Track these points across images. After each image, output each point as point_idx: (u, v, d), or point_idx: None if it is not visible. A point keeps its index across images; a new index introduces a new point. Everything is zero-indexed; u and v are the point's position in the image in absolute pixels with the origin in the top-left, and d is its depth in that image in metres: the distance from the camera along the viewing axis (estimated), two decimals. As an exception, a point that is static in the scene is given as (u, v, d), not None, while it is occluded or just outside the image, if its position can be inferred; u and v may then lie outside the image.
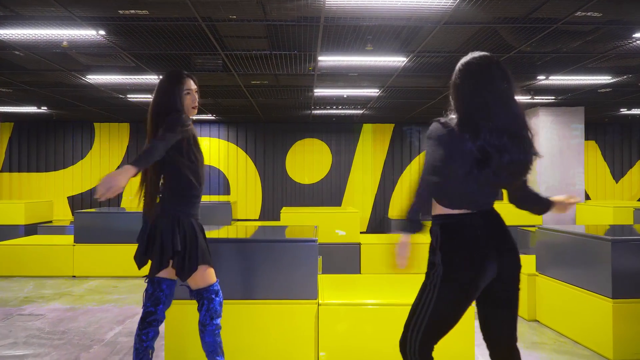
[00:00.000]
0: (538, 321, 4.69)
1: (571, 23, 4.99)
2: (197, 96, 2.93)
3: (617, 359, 3.66)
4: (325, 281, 4.28)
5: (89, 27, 5.00)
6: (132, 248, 6.74)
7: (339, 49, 5.86)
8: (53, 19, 4.81)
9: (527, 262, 5.14)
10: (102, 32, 5.14)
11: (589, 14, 4.77)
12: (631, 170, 13.00)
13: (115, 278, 6.70)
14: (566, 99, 9.17)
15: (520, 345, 4.00)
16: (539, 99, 9.23)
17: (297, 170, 12.56)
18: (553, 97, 9.11)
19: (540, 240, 4.67)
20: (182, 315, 3.59)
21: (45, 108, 10.31)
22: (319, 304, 3.62)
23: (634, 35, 5.36)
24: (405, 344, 2.15)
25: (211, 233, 3.83)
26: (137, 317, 4.87)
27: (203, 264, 2.82)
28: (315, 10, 4.54)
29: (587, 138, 12.83)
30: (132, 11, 4.62)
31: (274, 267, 3.57)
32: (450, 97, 2.17)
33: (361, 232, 10.30)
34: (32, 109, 10.42)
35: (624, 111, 10.88)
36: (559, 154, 9.87)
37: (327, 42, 5.58)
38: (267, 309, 3.56)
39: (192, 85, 2.90)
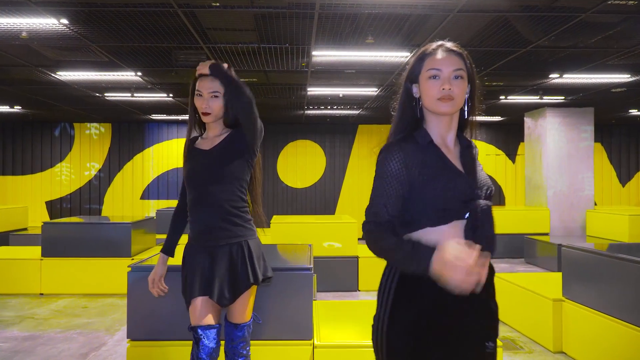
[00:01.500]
0: (565, 353, 4.09)
1: (601, 12, 4.39)
2: (208, 99, 2.34)
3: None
4: (320, 310, 3.66)
5: (48, 15, 4.35)
6: (105, 262, 6.09)
7: (335, 42, 5.23)
8: (6, 4, 4.15)
9: (553, 282, 4.54)
10: (64, 21, 4.48)
11: (622, 2, 4.19)
12: (638, 173, 12.49)
13: (86, 296, 6.04)
14: (576, 99, 8.60)
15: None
16: (547, 99, 8.66)
17: (289, 174, 11.92)
18: (562, 97, 8.55)
19: (567, 259, 4.07)
20: (147, 358, 2.96)
21: (19, 107, 9.61)
22: (314, 346, 2.99)
23: (667, 27, 4.78)
24: None
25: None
26: (104, 349, 4.23)
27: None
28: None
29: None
30: (96, -5, 3.97)
31: (260, 300, 2.94)
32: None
33: (358, 239, 9.72)
34: (4, 109, 9.71)
35: (633, 112, 10.34)
36: (567, 158, 9.31)
37: (322, 34, 4.96)
38: (253, 352, 2.93)
39: (202, 84, 2.35)
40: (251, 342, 2.86)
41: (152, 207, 11.60)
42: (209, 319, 2.28)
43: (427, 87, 1.60)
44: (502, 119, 11.26)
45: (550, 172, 9.29)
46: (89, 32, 4.87)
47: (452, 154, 1.64)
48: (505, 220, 8.89)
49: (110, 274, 6.10)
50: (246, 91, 2.25)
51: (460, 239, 1.48)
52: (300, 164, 11.91)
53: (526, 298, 4.54)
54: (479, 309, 1.54)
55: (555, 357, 4.04)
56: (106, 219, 6.71)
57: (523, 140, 11.46)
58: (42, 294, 6.14)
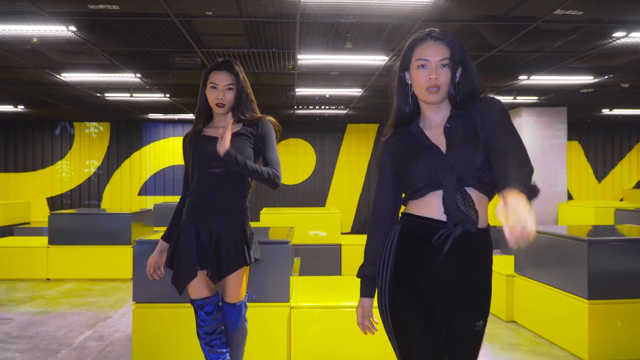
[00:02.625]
0: (515, 322, 4.63)
1: (551, 21, 4.93)
2: (223, 91, 2.54)
3: (594, 361, 3.62)
4: (300, 283, 4.18)
5: (58, 23, 4.86)
6: (108, 250, 6.59)
7: (317, 47, 5.77)
8: (20, 14, 4.66)
9: (506, 263, 5.09)
10: (72, 28, 5.00)
11: (569, 12, 4.72)
12: (613, 170, 13.07)
13: (90, 280, 6.55)
14: (549, 99, 9.16)
15: (496, 346, 3.95)
16: (521, 99, 9.22)
17: (281, 171, 12.43)
18: (536, 98, 9.10)
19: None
20: (150, 319, 3.48)
21: (22, 107, 10.10)
22: (291, 307, 3.52)
23: (613, 35, 5.32)
24: None
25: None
26: (113, 319, 4.75)
27: None
28: (291, 6, 4.45)
29: (570, 138, 12.85)
30: (102, 6, 4.48)
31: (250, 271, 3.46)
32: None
33: (345, 233, 10.25)
34: (8, 108, 10.20)
35: (606, 112, 10.92)
36: (541, 155, 9.86)
37: (305, 40, 5.49)
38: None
39: (217, 79, 2.55)
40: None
41: (149, 203, 12.08)
42: (205, 292, 2.56)
43: (416, 76, 1.75)
44: (483, 118, 11.81)
45: (526, 168, 9.84)
46: (94, 38, 5.38)
47: (438, 130, 1.77)
48: (484, 214, 9.46)
49: (112, 260, 6.61)
50: (264, 176, 2.55)
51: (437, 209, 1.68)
52: (291, 161, 12.44)
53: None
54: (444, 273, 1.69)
55: (507, 326, 4.58)
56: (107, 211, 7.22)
57: (503, 139, 12.00)
58: (49, 279, 6.64)
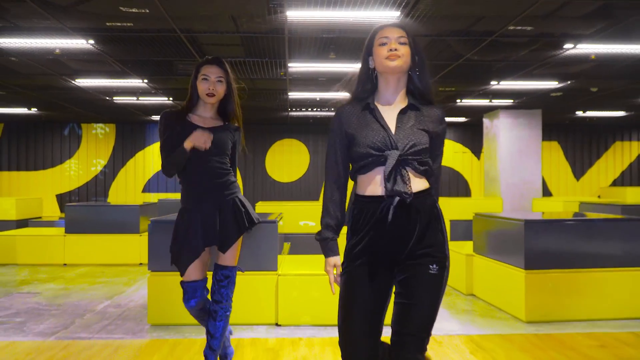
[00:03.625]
0: (474, 295, 5.38)
1: (507, 35, 5.69)
2: (214, 83, 2.78)
3: (529, 320, 4.36)
4: (287, 259, 4.93)
5: (79, 37, 5.62)
6: (119, 238, 7.29)
7: (305, 57, 6.52)
8: (47, 29, 5.41)
9: (466, 246, 5.85)
10: (91, 41, 5.76)
11: (520, 27, 5.47)
12: (591, 169, 13.83)
13: (102, 265, 7.29)
14: (523, 102, 9.92)
15: (453, 312, 4.69)
16: (498, 102, 9.98)
17: (276, 169, 13.21)
18: (511, 100, 9.86)
19: (476, 225, 5.38)
20: (163, 285, 4.23)
21: (35, 109, 10.85)
22: (278, 275, 4.27)
23: (564, 46, 6.08)
24: (427, 341, 1.88)
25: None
26: (127, 293, 5.50)
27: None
28: (280, 23, 5.20)
29: (549, 139, 13.64)
30: (118, 23, 5.24)
31: (242, 244, 4.22)
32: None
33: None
34: (22, 110, 10.95)
35: (580, 114, 11.68)
36: (518, 154, 10.62)
37: (293, 51, 6.25)
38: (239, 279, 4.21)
39: (209, 72, 2.78)
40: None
41: (152, 200, 12.83)
42: (200, 275, 2.84)
43: (378, 51, 1.92)
44: (466, 119, 12.59)
45: (503, 166, 10.61)
46: (109, 49, 6.13)
47: (391, 113, 1.92)
48: (466, 208, 10.15)
49: (122, 247, 7.36)
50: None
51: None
52: (286, 160, 13.20)
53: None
54: (390, 237, 1.86)
55: (466, 298, 5.33)
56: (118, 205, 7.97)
57: (486, 139, 12.78)
58: (65, 264, 7.38)
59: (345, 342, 1.85)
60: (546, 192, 13.52)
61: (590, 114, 11.72)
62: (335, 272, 1.97)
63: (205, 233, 2.78)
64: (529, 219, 4.43)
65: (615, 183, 13.90)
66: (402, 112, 1.91)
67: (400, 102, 1.95)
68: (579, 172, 13.82)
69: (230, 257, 2.87)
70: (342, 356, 1.86)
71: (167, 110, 2.88)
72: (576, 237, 4.44)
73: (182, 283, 2.83)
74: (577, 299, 4.41)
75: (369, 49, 1.98)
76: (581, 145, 13.84)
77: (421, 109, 1.94)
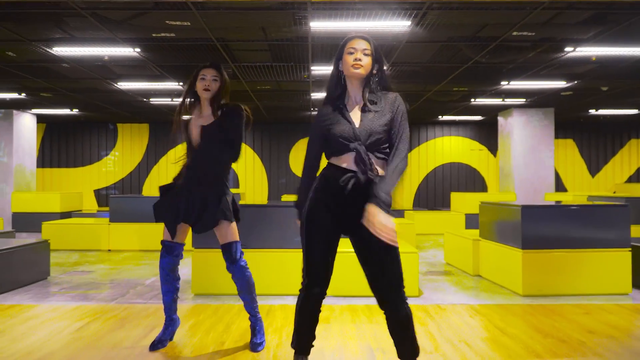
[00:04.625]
0: (480, 275, 5.95)
1: (510, 40, 6.25)
2: (210, 81, 3.17)
3: (525, 294, 4.93)
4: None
5: (127, 46, 6.35)
6: (158, 226, 8.01)
7: (326, 61, 7.17)
8: (100, 39, 6.15)
9: (473, 232, 6.42)
10: (137, 49, 6.49)
11: (523, 33, 6.03)
12: (606, 166, 14.19)
13: (143, 251, 8.03)
14: (535, 100, 10.41)
15: (458, 288, 5.26)
16: (511, 101, 10.48)
17: (299, 166, 13.89)
18: (524, 99, 10.35)
19: (482, 212, 5.95)
20: (204, 261, 4.92)
21: (77, 110, 11.70)
22: (304, 252, 4.92)
23: (565, 49, 6.61)
24: (404, 296, 2.36)
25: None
26: (166, 273, 6.19)
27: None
28: (304, 33, 5.85)
29: (565, 137, 14.06)
30: (162, 34, 5.95)
31: (273, 225, 4.88)
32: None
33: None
34: (65, 111, 11.82)
35: (592, 112, 12.09)
36: (531, 150, 11.11)
37: (316, 56, 6.89)
38: (270, 255, 4.88)
39: (206, 73, 3.19)
40: (263, 249, 4.80)
41: (183, 195, 13.63)
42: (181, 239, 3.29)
43: (346, 59, 2.35)
44: (482, 118, 13.09)
45: (517, 163, 11.11)
46: (152, 56, 6.86)
47: (356, 109, 2.37)
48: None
49: (160, 234, 8.08)
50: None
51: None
52: (309, 157, 13.85)
53: (457, 242, 6.41)
54: (348, 203, 2.33)
55: (474, 279, 5.90)
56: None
57: (501, 137, 13.26)
58: (110, 250, 8.15)
59: (307, 265, 2.42)
60: (562, 188, 13.93)
61: (603, 112, 12.11)
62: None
63: (185, 213, 3.23)
64: (526, 205, 5.00)
65: (630, 180, 14.22)
66: (366, 108, 2.35)
67: (361, 99, 2.38)
68: (594, 169, 14.18)
69: (227, 236, 3.27)
70: (304, 274, 2.43)
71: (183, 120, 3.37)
72: (567, 221, 4.99)
73: (161, 242, 3.32)
74: (569, 276, 4.96)
75: (340, 55, 2.42)
76: (596, 142, 14.21)
77: (379, 100, 2.35)
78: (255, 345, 3.31)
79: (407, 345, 2.38)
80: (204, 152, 3.23)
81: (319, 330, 3.71)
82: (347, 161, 2.32)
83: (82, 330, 3.71)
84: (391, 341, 3.40)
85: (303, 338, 2.51)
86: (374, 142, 2.30)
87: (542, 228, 4.96)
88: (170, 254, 3.28)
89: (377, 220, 2.16)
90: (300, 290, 2.50)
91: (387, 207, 2.21)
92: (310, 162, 2.54)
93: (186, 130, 3.32)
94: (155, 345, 3.30)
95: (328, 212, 2.37)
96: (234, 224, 3.30)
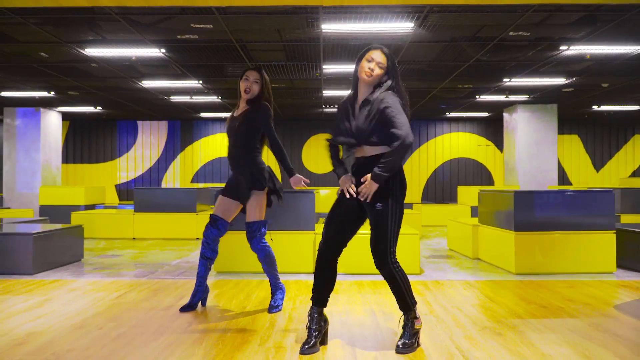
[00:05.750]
0: (479, 258, 6.41)
1: (508, 40, 6.69)
2: (252, 83, 3.67)
3: (517, 272, 5.39)
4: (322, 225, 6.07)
5: (154, 47, 6.89)
6: (179, 216, 8.55)
7: (337, 60, 7.66)
8: (129, 41, 6.70)
9: (473, 218, 6.87)
10: (163, 50, 7.03)
11: (519, 33, 6.47)
12: (610, 161, 14.52)
13: (166, 239, 8.59)
14: (538, 97, 10.81)
15: (457, 269, 5.73)
16: (515, 98, 10.90)
17: (312, 161, 14.40)
18: (527, 96, 10.76)
19: (480, 199, 6.41)
20: (226, 241, 5.45)
21: (100, 108, 12.31)
22: (315, 234, 5.42)
23: (560, 47, 7.03)
24: (388, 255, 2.81)
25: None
26: (192, 256, 6.74)
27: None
28: (316, 34, 6.35)
29: (569, 132, 14.42)
30: (187, 36, 6.48)
31: (287, 209, 5.39)
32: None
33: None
34: (89, 109, 12.44)
35: (595, 108, 12.45)
36: (535, 145, 11.51)
37: (328, 56, 7.39)
38: (281, 237, 5.40)
39: (249, 75, 3.69)
40: (280, 231, 5.30)
41: (200, 189, 14.23)
42: (220, 213, 3.77)
43: (362, 64, 2.82)
44: (488, 114, 13.50)
45: (521, 157, 11.52)
46: (175, 56, 7.40)
47: (359, 104, 2.86)
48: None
49: (181, 224, 8.65)
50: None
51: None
52: (320, 153, 14.36)
53: (458, 228, 6.88)
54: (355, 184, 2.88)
55: (473, 261, 6.36)
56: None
57: (507, 132, 13.65)
58: (134, 238, 8.72)
59: (326, 232, 2.93)
60: (567, 183, 14.29)
61: (606, 108, 12.47)
62: (346, 182, 2.93)
63: (231, 192, 3.80)
64: (518, 191, 5.46)
65: (635, 174, 14.54)
66: (365, 107, 2.82)
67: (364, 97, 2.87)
68: (598, 164, 14.52)
69: (250, 214, 3.76)
70: (321, 240, 2.94)
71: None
72: (557, 206, 5.45)
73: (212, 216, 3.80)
74: (558, 256, 5.41)
75: (360, 58, 2.87)
76: (601, 138, 14.55)
77: (371, 100, 2.79)
78: (271, 307, 3.81)
79: (397, 299, 2.90)
80: (234, 139, 3.74)
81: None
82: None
83: (121, 298, 4.25)
84: (392, 305, 3.91)
85: (317, 290, 2.98)
86: (361, 135, 2.82)
87: (533, 212, 5.42)
88: (214, 226, 3.75)
89: (363, 187, 2.79)
90: (318, 249, 2.97)
91: (381, 177, 2.75)
92: (333, 143, 3.06)
93: (228, 121, 3.86)
94: (186, 308, 3.82)
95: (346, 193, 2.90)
96: (262, 203, 3.78)
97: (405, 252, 5.32)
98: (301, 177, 3.77)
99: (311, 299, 2.98)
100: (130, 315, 3.67)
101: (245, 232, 4.07)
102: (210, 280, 5.02)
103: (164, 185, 14.32)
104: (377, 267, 2.87)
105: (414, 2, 5.13)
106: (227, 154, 3.87)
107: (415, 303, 2.91)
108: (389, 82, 2.83)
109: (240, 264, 5.40)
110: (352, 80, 2.97)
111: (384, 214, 2.80)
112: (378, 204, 2.80)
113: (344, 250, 2.99)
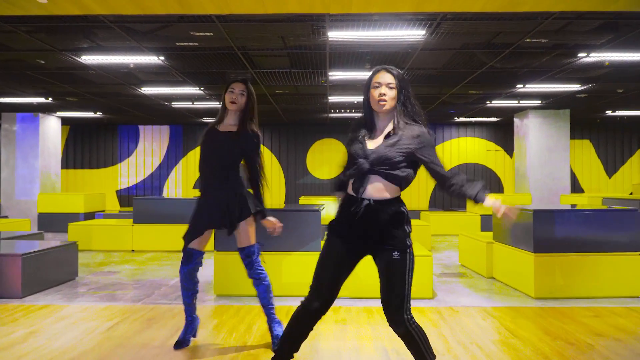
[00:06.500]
0: (494, 278, 6.08)
1: (524, 47, 6.35)
2: (237, 95, 3.42)
3: (537, 297, 5.06)
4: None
5: (152, 54, 6.59)
6: (179, 227, 8.23)
7: (344, 68, 7.34)
8: (126, 48, 6.40)
9: (486, 235, 6.56)
10: (162, 58, 6.73)
11: (536, 40, 6.13)
12: (623, 167, 14.15)
13: (166, 251, 8.29)
14: (550, 102, 10.46)
15: (472, 290, 5.41)
16: (526, 103, 10.55)
17: (316, 167, 14.08)
18: (539, 101, 10.41)
19: (495, 215, 6.07)
20: (226, 263, 5.13)
21: (100, 113, 12.04)
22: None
23: (578, 55, 6.69)
24: (404, 311, 2.44)
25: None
26: (189, 274, 6.42)
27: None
28: (322, 41, 6.03)
29: (581, 137, 14.05)
30: (186, 43, 6.17)
31: (291, 228, 5.08)
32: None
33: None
34: (89, 114, 12.16)
35: (609, 113, 12.09)
36: (546, 152, 11.16)
37: (334, 63, 7.07)
38: (288, 258, 5.08)
39: (235, 87, 3.47)
40: (286, 252, 4.99)
41: (202, 195, 13.94)
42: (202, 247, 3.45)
43: (372, 93, 2.48)
44: (498, 119, 13.15)
45: (532, 164, 11.17)
46: (175, 64, 7.09)
47: (379, 136, 2.48)
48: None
49: (182, 235, 8.33)
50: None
51: None
52: (325, 158, 14.05)
53: (471, 244, 6.55)
54: (360, 229, 2.46)
55: (488, 282, 6.04)
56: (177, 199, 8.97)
57: (517, 138, 13.30)
58: (133, 250, 8.42)
59: (315, 279, 2.58)
60: (578, 189, 13.93)
61: (619, 113, 12.10)
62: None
63: (209, 220, 3.42)
64: (538, 209, 5.13)
65: (648, 180, 14.17)
66: (386, 137, 2.46)
67: (385, 127, 2.51)
68: (610, 169, 14.15)
69: (242, 239, 3.46)
70: (311, 287, 2.58)
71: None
72: (579, 226, 5.11)
73: (187, 250, 3.45)
74: (580, 279, 5.08)
75: (367, 87, 2.54)
76: (613, 143, 14.18)
77: (403, 130, 2.44)
78: (274, 344, 3.50)
79: (414, 356, 2.53)
80: (219, 156, 3.39)
81: (336, 330, 3.90)
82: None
83: (112, 330, 3.94)
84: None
85: (285, 347, 2.65)
86: (381, 162, 2.42)
87: (553, 232, 5.09)
88: (191, 261, 3.45)
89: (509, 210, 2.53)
90: (301, 301, 2.59)
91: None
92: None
93: (207, 134, 3.49)
94: (180, 344, 3.52)
95: (343, 236, 2.52)
96: (252, 227, 3.46)
97: (417, 274, 4.99)
98: (276, 220, 3.48)
99: (274, 350, 2.65)
100: (120, 354, 3.37)
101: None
102: (210, 306, 4.72)
103: (165, 190, 14.03)
104: (391, 324, 2.50)
105: (427, 9, 4.79)
106: (201, 172, 3.48)
107: (434, 357, 2.57)
108: (410, 110, 2.50)
109: (241, 286, 5.09)
110: (363, 110, 2.61)
111: (401, 263, 2.45)
112: (395, 252, 2.44)
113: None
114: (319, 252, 2.66)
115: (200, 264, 3.50)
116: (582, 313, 4.50)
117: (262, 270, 3.52)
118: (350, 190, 2.50)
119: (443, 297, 5.16)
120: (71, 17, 5.19)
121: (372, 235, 2.46)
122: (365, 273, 4.82)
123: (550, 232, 5.08)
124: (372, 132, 2.53)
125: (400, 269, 2.43)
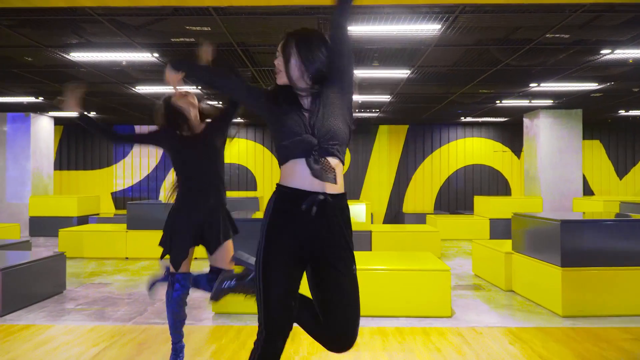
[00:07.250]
0: (513, 291, 5.66)
1: (544, 43, 5.93)
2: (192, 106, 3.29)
3: (565, 315, 4.63)
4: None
5: (145, 51, 6.16)
6: (177, 233, 7.75)
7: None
8: (117, 45, 5.97)
9: (504, 244, 6.14)
10: (155, 55, 6.29)
11: (557, 35, 5.71)
12: (634, 168, 13.74)
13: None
14: (563, 102, 10.04)
15: (492, 306, 4.99)
16: (538, 103, 10.13)
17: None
18: (551, 101, 9.99)
19: (514, 224, 5.65)
20: (225, 277, 4.70)
21: (94, 113, 11.59)
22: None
23: (601, 52, 6.27)
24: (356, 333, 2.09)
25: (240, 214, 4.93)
26: (185, 286, 6.00)
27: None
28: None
29: (591, 138, 13.63)
30: (182, 39, 5.74)
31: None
32: None
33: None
34: (82, 114, 11.70)
35: (622, 113, 11.67)
36: (558, 153, 10.73)
37: (340, 60, 6.63)
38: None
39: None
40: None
41: (200, 198, 13.51)
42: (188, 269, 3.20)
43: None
44: (505, 119, 12.72)
45: (543, 166, 10.75)
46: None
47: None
48: (506, 207, 10.33)
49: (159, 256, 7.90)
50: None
51: None
52: (328, 160, 13.61)
53: (487, 253, 6.12)
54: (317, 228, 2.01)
55: (506, 294, 5.62)
56: (173, 202, 8.54)
57: (526, 138, 12.88)
58: (127, 258, 7.99)
59: (266, 308, 1.96)
60: (588, 191, 13.51)
61: (632, 112, 11.69)
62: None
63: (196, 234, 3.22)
64: (565, 219, 4.70)
65: (659, 182, 13.76)
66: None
67: None
68: (621, 171, 13.74)
69: (223, 261, 3.23)
70: (264, 320, 1.96)
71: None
72: (610, 237, 4.69)
73: (173, 275, 3.20)
74: (612, 295, 4.65)
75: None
76: (624, 144, 13.76)
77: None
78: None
79: None
80: (207, 163, 3.22)
81: (349, 358, 3.48)
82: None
83: (98, 357, 3.52)
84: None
85: None
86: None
87: (582, 244, 4.66)
88: (183, 286, 3.19)
89: None
90: (255, 342, 1.99)
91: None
92: None
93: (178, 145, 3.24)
94: None
95: (291, 246, 2.03)
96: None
97: (434, 291, 4.60)
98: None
99: None
100: (105, 392, 2.95)
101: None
102: (208, 326, 4.29)
103: (162, 193, 13.59)
104: (345, 350, 2.08)
105: (445, 1, 4.37)
106: (189, 186, 3.25)
107: None
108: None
109: (240, 303, 4.65)
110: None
111: (355, 278, 2.07)
112: (353, 267, 2.07)
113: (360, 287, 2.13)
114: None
115: (189, 285, 3.23)
116: (619, 336, 4.07)
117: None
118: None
119: (462, 315, 4.74)
120: (56, 10, 4.75)
121: (325, 241, 2.04)
122: (376, 289, 4.41)
123: (579, 244, 4.66)
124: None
125: (356, 284, 2.08)
